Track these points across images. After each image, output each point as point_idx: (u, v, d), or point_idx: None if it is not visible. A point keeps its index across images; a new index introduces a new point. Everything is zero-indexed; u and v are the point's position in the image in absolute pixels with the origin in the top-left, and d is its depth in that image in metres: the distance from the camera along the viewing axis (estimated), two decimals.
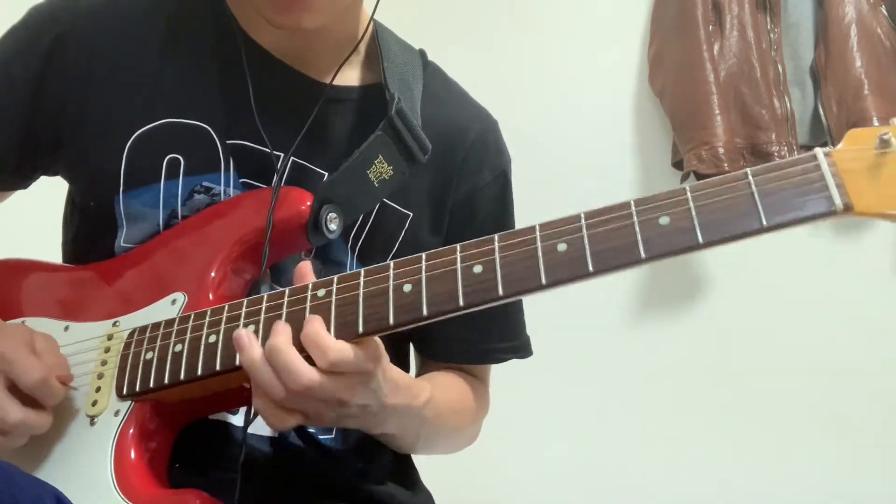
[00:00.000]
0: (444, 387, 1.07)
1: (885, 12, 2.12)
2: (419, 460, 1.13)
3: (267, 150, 0.98)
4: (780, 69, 2.17)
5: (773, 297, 2.18)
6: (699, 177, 2.17)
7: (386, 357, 0.85)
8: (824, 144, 2.08)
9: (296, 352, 0.78)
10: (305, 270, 0.87)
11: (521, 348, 1.16)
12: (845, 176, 0.65)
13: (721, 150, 2.10)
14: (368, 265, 1.00)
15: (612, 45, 2.39)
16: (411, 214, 1.05)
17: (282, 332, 0.79)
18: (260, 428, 0.96)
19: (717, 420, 2.19)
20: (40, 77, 1.01)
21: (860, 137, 0.66)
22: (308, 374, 0.77)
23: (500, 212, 1.14)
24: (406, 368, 1.15)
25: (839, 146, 0.67)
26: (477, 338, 1.11)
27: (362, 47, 1.08)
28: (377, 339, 0.83)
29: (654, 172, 2.32)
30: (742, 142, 2.16)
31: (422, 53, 1.13)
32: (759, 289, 2.18)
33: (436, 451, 1.12)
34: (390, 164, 0.99)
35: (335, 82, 1.04)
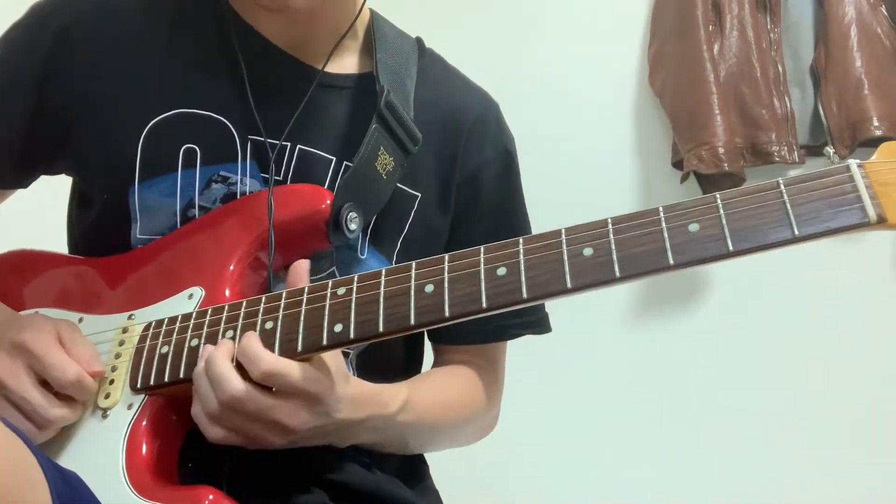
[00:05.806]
0: (435, 384, 1.06)
1: (885, 12, 2.12)
2: (431, 458, 1.13)
3: (273, 141, 0.98)
4: (780, 69, 2.17)
5: (772, 296, 2.18)
6: (699, 177, 2.18)
7: (343, 377, 0.85)
8: (824, 144, 2.11)
9: (229, 364, 0.79)
10: (301, 270, 0.88)
11: (538, 324, 1.14)
12: (878, 188, 0.64)
13: (721, 150, 2.09)
14: (381, 248, 1.02)
15: (612, 44, 2.39)
16: (420, 195, 1.06)
17: (221, 345, 0.82)
18: None
19: (716, 420, 2.20)
20: (44, 72, 1.00)
21: (894, 151, 0.66)
22: (236, 384, 0.78)
23: (505, 189, 1.14)
24: (420, 358, 1.15)
25: (872, 158, 0.67)
26: (490, 316, 1.10)
27: (360, 34, 1.09)
28: (332, 359, 0.83)
29: (654, 172, 2.32)
30: (742, 141, 2.16)
31: (418, 41, 1.14)
32: (758, 288, 2.18)
33: (445, 447, 1.11)
34: (391, 156, 1.00)
35: (334, 69, 1.04)
